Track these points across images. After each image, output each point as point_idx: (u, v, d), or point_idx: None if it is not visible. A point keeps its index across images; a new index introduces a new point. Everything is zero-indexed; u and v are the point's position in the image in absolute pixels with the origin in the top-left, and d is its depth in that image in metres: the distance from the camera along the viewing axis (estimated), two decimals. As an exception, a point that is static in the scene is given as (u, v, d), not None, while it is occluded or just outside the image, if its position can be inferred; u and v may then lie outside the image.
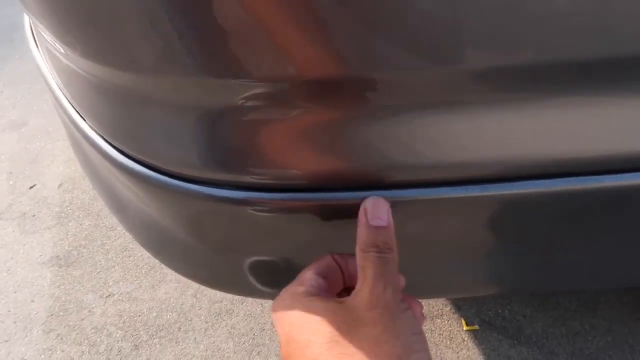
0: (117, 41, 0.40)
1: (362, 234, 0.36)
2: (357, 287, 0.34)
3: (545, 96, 0.39)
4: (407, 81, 0.37)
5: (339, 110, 0.38)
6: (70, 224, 1.23)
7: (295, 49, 0.35)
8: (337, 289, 0.39)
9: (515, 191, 0.43)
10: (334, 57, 0.35)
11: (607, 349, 0.87)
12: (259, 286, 0.57)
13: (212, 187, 0.45)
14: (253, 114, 0.40)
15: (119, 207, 0.63)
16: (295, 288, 0.35)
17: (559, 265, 0.55)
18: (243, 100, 0.39)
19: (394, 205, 0.41)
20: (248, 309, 0.97)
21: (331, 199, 0.42)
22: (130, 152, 0.49)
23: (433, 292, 0.67)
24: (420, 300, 0.40)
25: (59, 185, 1.37)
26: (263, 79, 0.37)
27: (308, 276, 0.36)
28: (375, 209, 0.37)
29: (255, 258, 0.52)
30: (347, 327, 0.31)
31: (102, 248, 1.14)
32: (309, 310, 0.33)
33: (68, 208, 1.28)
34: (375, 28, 0.34)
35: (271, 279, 0.55)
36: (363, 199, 0.40)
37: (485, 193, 0.42)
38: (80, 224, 1.22)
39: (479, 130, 0.39)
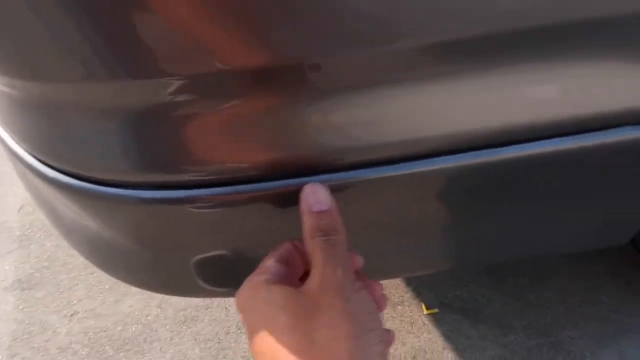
0: (30, 52, 0.40)
1: (306, 221, 0.37)
2: (311, 273, 0.35)
3: (470, 71, 0.40)
4: (337, 65, 0.38)
5: (274, 98, 0.39)
6: (32, 246, 1.22)
7: (221, 40, 0.35)
8: (298, 273, 0.40)
9: (452, 164, 0.44)
10: (264, 46, 0.36)
11: (561, 319, 0.90)
12: (209, 285, 0.57)
13: (149, 189, 0.45)
14: (183, 110, 0.40)
15: (59, 222, 0.63)
16: (256, 277, 0.37)
17: (494, 237, 0.57)
18: (171, 97, 0.39)
19: (341, 187, 0.42)
20: (212, 314, 0.98)
21: (272, 188, 0.43)
22: (60, 166, 0.49)
23: (387, 272, 0.67)
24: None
25: (20, 208, 1.35)
26: (189, 74, 0.38)
27: (268, 264, 0.38)
28: (315, 195, 0.39)
29: (201, 256, 0.52)
30: (305, 313, 0.33)
31: (64, 268, 1.14)
32: (269, 298, 0.34)
33: (29, 231, 1.27)
34: (302, 13, 0.35)
35: (220, 276, 0.56)
36: (304, 184, 0.41)
37: (426, 168, 0.44)
38: (42, 246, 1.21)
39: (415, 107, 0.41)
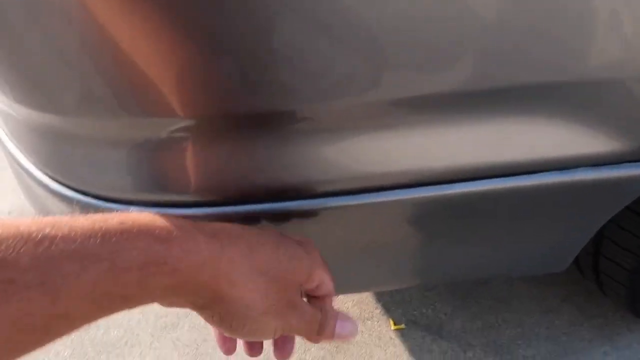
0: (43, 87, 0.46)
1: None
2: None
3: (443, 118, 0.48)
4: (320, 110, 0.45)
5: (268, 138, 0.45)
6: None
7: (216, 88, 0.42)
8: None
9: (411, 196, 0.51)
10: (259, 94, 0.42)
11: (517, 339, 0.98)
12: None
13: (149, 207, 0.51)
14: (180, 143, 0.47)
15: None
16: None
17: (451, 258, 0.64)
18: (169, 133, 0.46)
19: (324, 212, 0.49)
20: (192, 321, 1.03)
21: (269, 209, 0.49)
22: (71, 183, 0.55)
23: (364, 286, 0.73)
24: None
25: (8, 213, 1.39)
26: (186, 116, 0.44)
27: None
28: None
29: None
30: None
31: (51, 271, 1.17)
32: None
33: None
34: (293, 64, 0.41)
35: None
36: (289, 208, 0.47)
37: (403, 197, 0.51)
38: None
39: (393, 145, 0.48)
